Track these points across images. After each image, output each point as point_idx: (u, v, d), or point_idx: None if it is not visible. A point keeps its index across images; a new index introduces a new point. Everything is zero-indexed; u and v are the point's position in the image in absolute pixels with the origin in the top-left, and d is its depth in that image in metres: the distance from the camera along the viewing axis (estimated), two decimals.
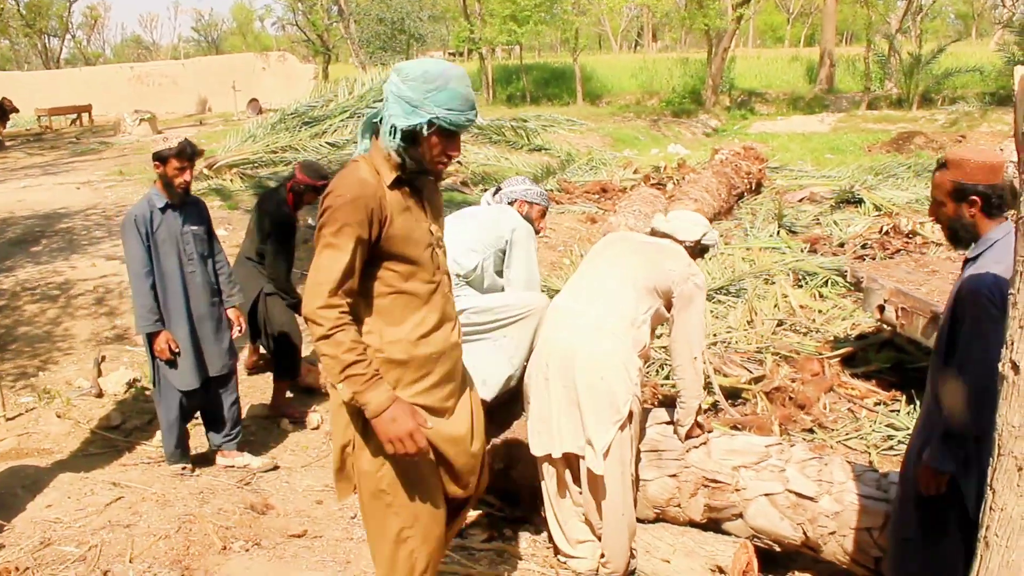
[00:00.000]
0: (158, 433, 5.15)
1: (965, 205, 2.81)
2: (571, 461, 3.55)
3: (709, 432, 3.86)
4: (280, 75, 28.49)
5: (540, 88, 31.66)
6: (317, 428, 5.49)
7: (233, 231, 10.15)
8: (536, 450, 3.55)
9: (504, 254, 4.16)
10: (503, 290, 4.15)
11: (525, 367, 3.94)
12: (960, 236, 2.88)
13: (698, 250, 3.83)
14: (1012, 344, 1.95)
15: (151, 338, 4.39)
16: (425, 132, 2.38)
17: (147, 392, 5.93)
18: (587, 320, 3.44)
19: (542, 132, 18.27)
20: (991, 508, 1.98)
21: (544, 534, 4.15)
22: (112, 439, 5.16)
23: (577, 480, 3.58)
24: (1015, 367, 1.93)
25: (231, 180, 12.75)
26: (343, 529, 3.98)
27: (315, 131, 14.88)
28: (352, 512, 4.21)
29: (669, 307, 3.63)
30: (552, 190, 13.12)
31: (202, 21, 71.38)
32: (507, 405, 3.99)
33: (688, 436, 3.76)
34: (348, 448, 2.57)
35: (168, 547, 3.46)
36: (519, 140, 17.24)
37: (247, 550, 3.55)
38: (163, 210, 4.43)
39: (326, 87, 18.86)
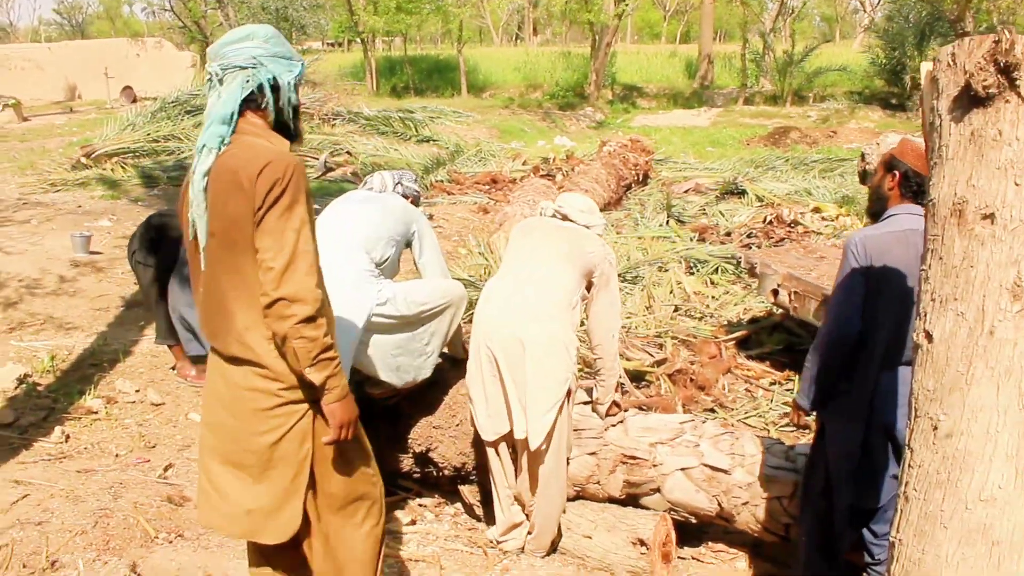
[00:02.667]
0: (56, 429, 4.98)
1: (889, 177, 3.13)
2: (510, 439, 3.62)
3: (625, 411, 3.99)
4: (156, 62, 27.43)
5: (424, 80, 31.54)
6: None
7: (117, 221, 9.81)
8: (487, 435, 3.61)
9: (409, 243, 4.17)
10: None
11: (442, 354, 3.99)
12: (875, 209, 3.18)
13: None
14: (925, 315, 2.11)
15: None
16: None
17: (39, 387, 5.70)
18: (529, 303, 3.51)
19: (429, 123, 18.31)
20: (909, 465, 2.15)
21: (464, 516, 4.23)
22: (6, 437, 4.92)
23: (515, 462, 3.66)
24: (928, 336, 2.09)
25: (111, 169, 12.27)
26: None
27: (198, 120, 14.46)
28: None
29: (588, 288, 3.74)
30: (442, 181, 13.16)
31: (65, 3, 67.91)
32: (428, 389, 4.02)
33: (607, 414, 3.88)
34: (303, 469, 2.42)
35: (86, 543, 3.36)
36: (407, 131, 17.22)
37: (170, 542, 3.49)
38: None
39: (207, 76, 18.34)
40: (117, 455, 4.77)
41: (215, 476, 2.47)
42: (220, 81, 2.30)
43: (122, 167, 12.46)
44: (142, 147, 13.12)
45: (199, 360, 5.49)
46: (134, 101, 22.62)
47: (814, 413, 3.34)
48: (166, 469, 4.52)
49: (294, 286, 2.23)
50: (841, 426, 3.15)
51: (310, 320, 2.25)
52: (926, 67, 2.18)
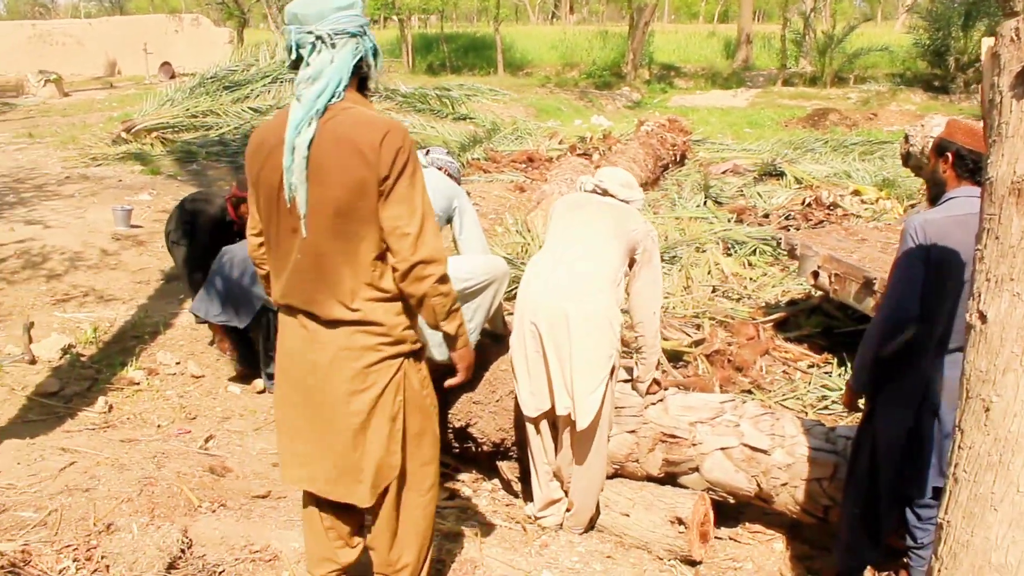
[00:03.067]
0: (100, 399, 5.08)
1: (942, 161, 3.07)
2: (551, 415, 3.63)
3: (665, 389, 3.98)
4: (193, 38, 27.61)
5: (460, 58, 31.46)
6: (263, 392, 5.46)
7: (157, 196, 9.92)
8: (529, 411, 3.62)
9: (450, 220, 4.17)
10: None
11: (484, 329, 4.00)
12: (933, 194, 3.14)
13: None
14: (979, 295, 2.08)
15: None
16: None
17: (82, 358, 5.81)
18: (573, 279, 3.50)
19: (466, 101, 18.29)
20: (959, 447, 2.12)
21: (502, 492, 4.25)
22: (52, 406, 5.03)
23: (555, 439, 3.67)
24: (982, 317, 2.06)
25: (151, 144, 12.40)
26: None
27: (236, 96, 14.62)
28: None
29: (630, 265, 3.73)
30: (479, 159, 13.15)
31: None
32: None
33: (647, 392, 3.88)
34: (398, 419, 2.49)
35: (132, 509, 3.41)
36: (444, 109, 17.22)
37: (213, 511, 3.53)
38: None
39: (245, 51, 18.44)
40: (159, 425, 4.85)
41: (307, 442, 2.51)
42: (332, 45, 2.29)
43: (161, 142, 12.59)
44: (181, 122, 13.25)
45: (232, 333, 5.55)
46: (172, 77, 22.80)
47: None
48: (207, 440, 4.59)
49: (428, 249, 2.32)
50: (893, 411, 3.12)
51: (444, 278, 2.37)
52: (987, 43, 2.14)
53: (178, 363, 5.78)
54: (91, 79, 25.56)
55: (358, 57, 2.33)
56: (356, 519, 2.73)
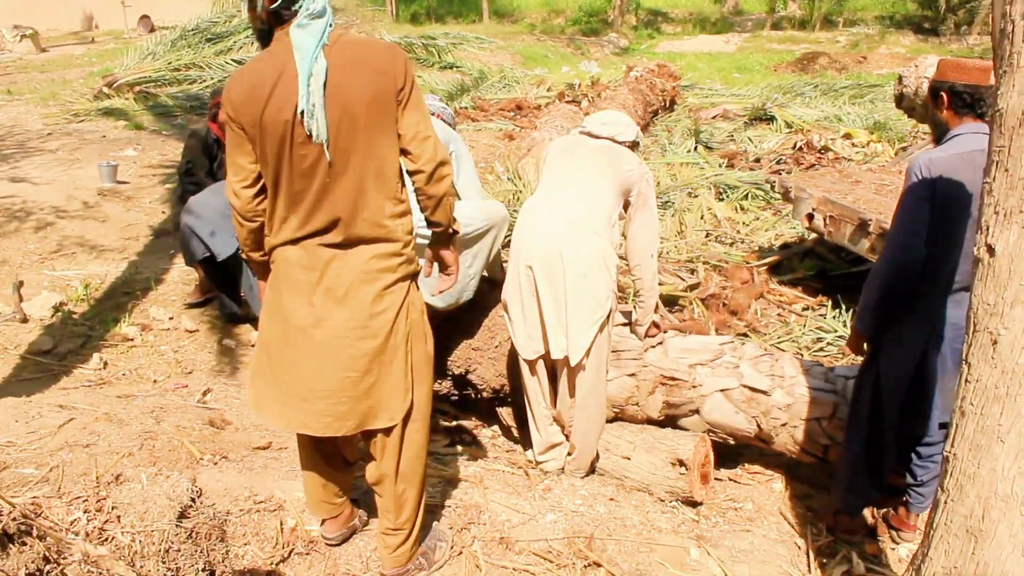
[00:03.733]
0: (95, 356, 5.06)
1: (939, 101, 3.03)
2: (549, 360, 3.63)
3: (664, 332, 3.98)
4: None
5: (444, 5, 30.96)
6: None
7: (142, 151, 9.80)
8: (525, 354, 3.60)
9: None
10: None
11: (482, 275, 3.98)
12: (937, 135, 3.10)
13: (632, 147, 3.86)
14: (988, 228, 2.06)
15: None
16: None
17: (74, 315, 5.77)
18: (568, 221, 3.47)
19: (452, 50, 18.04)
20: (967, 380, 2.12)
21: (502, 438, 4.26)
22: (46, 364, 5.01)
23: (555, 383, 3.67)
24: (991, 250, 2.05)
25: (134, 99, 12.22)
26: None
27: (219, 48, 14.37)
28: None
29: (625, 207, 3.70)
30: (467, 107, 13.02)
31: None
32: (467, 311, 4.02)
33: (646, 335, 3.87)
34: (408, 341, 2.57)
35: (133, 464, 3.41)
36: (430, 58, 17.00)
37: (215, 463, 3.53)
38: None
39: (226, 2, 18.10)
40: (155, 381, 4.84)
41: (318, 381, 2.52)
42: None
43: (144, 96, 12.41)
44: (164, 76, 13.04)
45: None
46: (152, 30, 22.36)
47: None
48: (204, 394, 4.58)
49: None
50: (898, 351, 3.11)
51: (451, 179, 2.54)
52: None
53: (171, 318, 5.75)
54: (68, 34, 25.02)
55: None
56: (352, 449, 2.89)
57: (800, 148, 9.57)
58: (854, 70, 16.70)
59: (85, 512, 2.52)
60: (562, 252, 3.40)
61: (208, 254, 5.36)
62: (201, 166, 5.84)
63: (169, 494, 2.70)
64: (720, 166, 9.15)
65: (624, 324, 3.97)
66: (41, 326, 5.53)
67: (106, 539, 2.49)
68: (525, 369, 3.67)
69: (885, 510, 3.53)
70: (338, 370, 2.51)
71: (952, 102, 3.01)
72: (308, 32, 2.31)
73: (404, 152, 2.45)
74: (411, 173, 2.48)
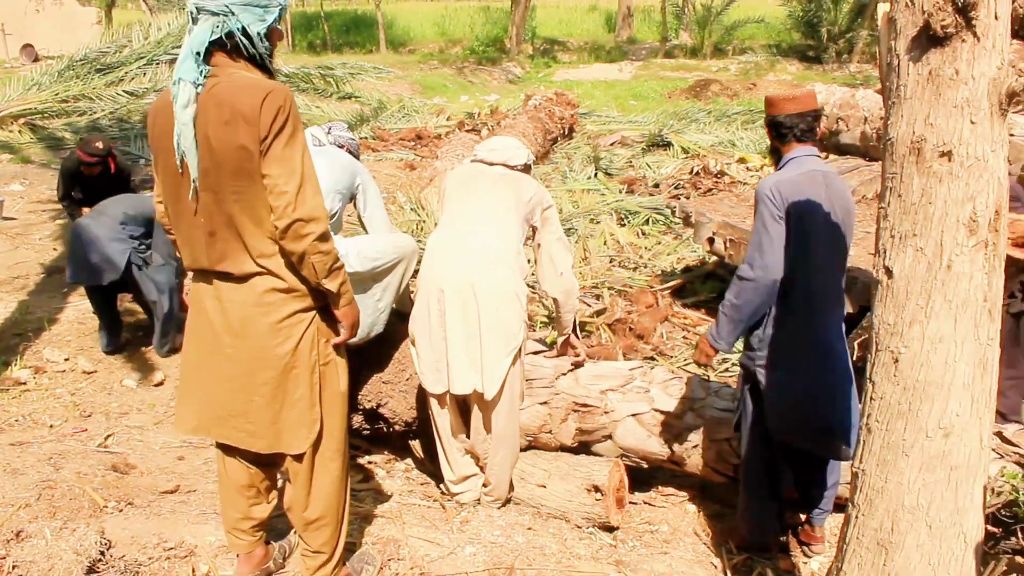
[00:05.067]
0: None
1: (768, 135, 3.35)
2: (461, 398, 3.60)
3: (582, 356, 4.01)
4: (57, 19, 26.09)
5: (341, 35, 30.84)
6: (161, 383, 5.27)
7: (30, 185, 9.42)
8: (432, 387, 3.56)
9: (353, 198, 4.07)
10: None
11: (391, 308, 3.94)
12: (775, 159, 3.37)
13: (526, 170, 3.89)
14: (885, 251, 2.16)
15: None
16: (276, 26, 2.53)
17: None
18: (476, 252, 3.47)
19: (350, 80, 17.88)
20: (871, 398, 2.21)
21: (416, 471, 4.22)
22: None
23: (465, 415, 3.64)
24: (888, 272, 2.15)
25: (19, 131, 11.75)
26: (215, 482, 3.86)
27: (109, 79, 13.89)
28: None
29: (534, 232, 3.74)
30: (366, 138, 12.96)
31: None
32: (376, 344, 3.97)
33: (561, 352, 3.90)
34: (315, 372, 2.60)
35: (31, 516, 3.25)
36: (328, 88, 16.80)
37: (120, 510, 3.39)
38: None
39: (116, 32, 17.59)
40: (51, 426, 4.63)
41: (229, 402, 2.58)
42: (194, 21, 2.44)
43: (31, 129, 11.95)
44: (50, 108, 12.57)
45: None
46: (36, 60, 21.62)
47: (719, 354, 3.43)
48: (107, 438, 4.40)
49: (307, 207, 2.40)
50: (782, 374, 3.21)
51: (324, 237, 2.44)
52: (883, 8, 2.21)
53: (67, 359, 5.51)
54: None
55: (218, 35, 2.42)
56: (270, 475, 2.89)
57: (697, 173, 9.82)
58: (745, 96, 17.27)
59: None
60: (474, 285, 3.40)
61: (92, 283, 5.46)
62: (65, 189, 6.43)
63: (76, 548, 2.58)
64: (620, 192, 9.32)
65: (535, 352, 3.99)
66: None
67: None
68: (434, 403, 3.64)
69: (792, 526, 3.63)
70: (243, 395, 2.57)
71: (773, 132, 3.30)
72: (180, 67, 2.41)
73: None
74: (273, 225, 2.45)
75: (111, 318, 5.68)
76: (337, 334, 2.67)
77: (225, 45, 2.44)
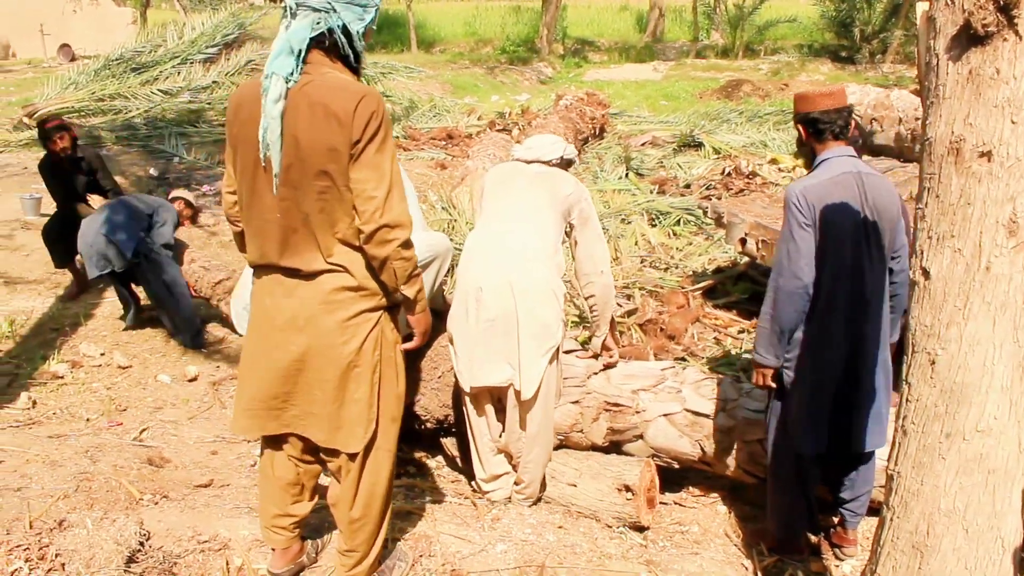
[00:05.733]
0: (23, 395, 4.90)
1: (799, 134, 3.27)
2: (495, 392, 3.62)
3: (618, 357, 4.01)
4: (94, 19, 26.46)
5: (372, 35, 31.00)
6: (194, 379, 5.34)
7: None
8: (467, 383, 3.56)
9: None
10: None
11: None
12: (807, 162, 3.31)
13: (565, 165, 3.88)
14: (922, 253, 2.15)
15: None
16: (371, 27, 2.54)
17: None
18: (516, 249, 3.47)
19: (382, 79, 17.98)
20: (907, 400, 2.20)
21: (447, 468, 4.24)
22: None
23: (499, 412, 3.65)
24: (926, 273, 2.13)
25: None
26: (248, 477, 3.92)
27: (144, 78, 14.13)
28: (252, 460, 4.15)
29: (569, 231, 3.73)
30: (398, 137, 13.02)
31: None
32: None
33: (598, 354, 3.90)
34: (376, 372, 2.61)
35: (69, 507, 3.31)
36: None
37: (156, 503, 3.44)
38: None
39: (151, 32, 17.82)
40: (88, 419, 4.71)
41: (289, 395, 2.62)
42: (293, 16, 2.43)
43: None
44: (87, 106, 12.75)
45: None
46: (72, 59, 21.89)
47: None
48: (142, 432, 4.46)
49: (394, 213, 2.42)
50: (811, 376, 3.20)
51: (407, 243, 2.48)
52: (922, 7, 2.21)
53: (103, 354, 5.61)
54: None
55: (319, 31, 2.42)
56: (315, 475, 2.89)
57: (729, 174, 9.77)
58: (777, 97, 17.13)
59: (27, 561, 2.43)
60: (512, 283, 3.41)
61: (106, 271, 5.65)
62: (55, 188, 6.45)
63: (116, 538, 2.62)
64: (651, 192, 9.29)
65: (568, 351, 3.99)
66: None
67: None
68: (469, 402, 3.66)
69: (824, 528, 3.61)
70: (303, 389, 2.60)
71: (808, 131, 3.22)
72: (274, 61, 2.40)
73: (353, 205, 2.45)
74: (358, 229, 2.47)
75: (129, 294, 5.99)
76: (399, 333, 2.70)
77: (323, 42, 2.45)
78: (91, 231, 5.63)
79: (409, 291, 2.57)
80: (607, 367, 3.97)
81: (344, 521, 2.77)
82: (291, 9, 2.43)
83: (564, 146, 3.84)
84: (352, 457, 2.66)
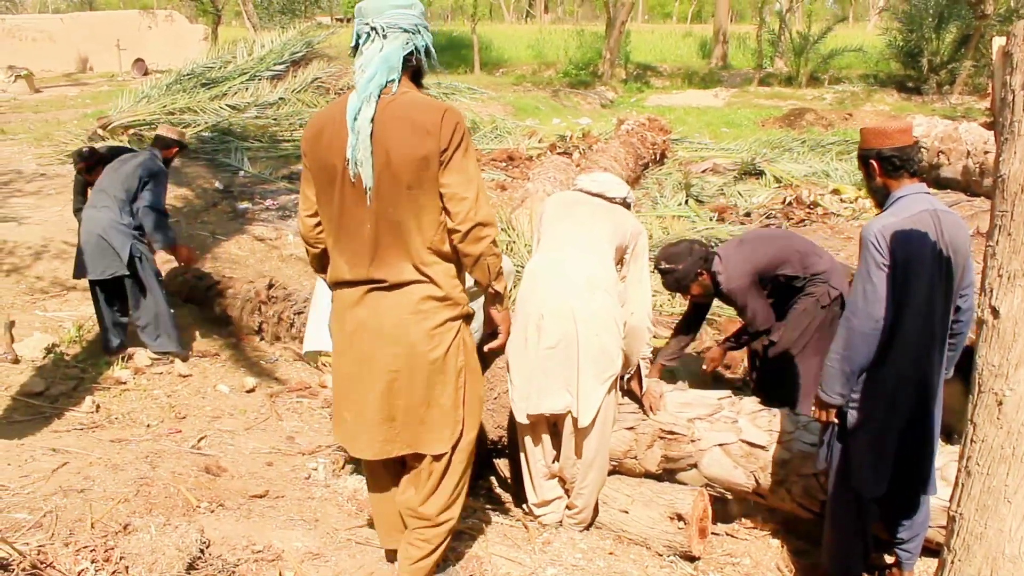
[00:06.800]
0: (87, 398, 5.02)
1: (869, 170, 3.14)
2: (551, 419, 3.62)
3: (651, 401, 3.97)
4: (167, 35, 27.28)
5: (437, 56, 31.37)
6: (252, 391, 5.43)
7: None
8: (524, 411, 3.55)
9: None
10: None
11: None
12: (879, 201, 3.18)
13: (625, 206, 3.88)
14: (992, 291, 2.11)
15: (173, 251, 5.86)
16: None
17: (66, 357, 5.74)
18: (579, 276, 3.47)
19: (445, 99, 18.19)
20: (972, 440, 2.16)
21: (499, 490, 4.25)
22: (37, 406, 4.97)
23: (554, 437, 3.65)
24: (995, 312, 2.10)
25: (128, 141, 12.26)
26: (302, 489, 3.97)
27: (213, 93, 14.46)
28: (305, 473, 4.20)
29: (620, 263, 3.73)
30: None
31: None
32: None
33: (644, 395, 3.87)
34: (460, 376, 2.75)
35: (129, 510, 3.37)
36: None
37: (212, 511, 3.50)
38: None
39: (221, 48, 18.28)
40: (148, 425, 4.80)
41: (380, 408, 2.72)
42: (384, 36, 2.55)
43: (138, 139, 12.45)
44: (158, 119, 13.06)
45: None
46: (146, 74, 22.56)
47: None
48: (200, 440, 4.54)
49: (485, 212, 2.59)
50: (882, 417, 3.13)
51: (496, 241, 2.66)
52: (998, 41, 2.17)
53: (150, 364, 5.73)
54: (62, 75, 25.20)
55: (408, 51, 2.58)
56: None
57: (790, 203, 9.70)
58: (840, 127, 16.95)
59: (93, 562, 2.49)
60: (574, 310, 3.40)
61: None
62: (76, 204, 6.27)
63: (178, 545, 2.67)
64: (711, 220, 9.25)
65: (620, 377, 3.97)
66: (33, 367, 5.50)
67: None
68: (525, 428, 3.66)
69: (880, 568, 3.54)
70: (391, 399, 2.71)
71: (883, 168, 3.10)
72: (357, 85, 2.54)
73: (444, 209, 2.59)
74: (449, 231, 2.61)
75: (114, 317, 5.82)
76: (474, 342, 2.85)
77: (411, 62, 2.60)
78: (92, 225, 5.60)
79: (499, 286, 2.75)
80: (644, 406, 3.93)
81: (417, 518, 2.88)
82: (381, 31, 2.55)
83: (628, 190, 3.87)
84: (437, 459, 2.79)
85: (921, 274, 2.98)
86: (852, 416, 3.17)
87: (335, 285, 2.77)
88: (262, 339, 6.37)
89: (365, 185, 2.54)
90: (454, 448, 2.78)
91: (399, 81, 2.56)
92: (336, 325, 2.80)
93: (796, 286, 4.42)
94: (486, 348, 2.94)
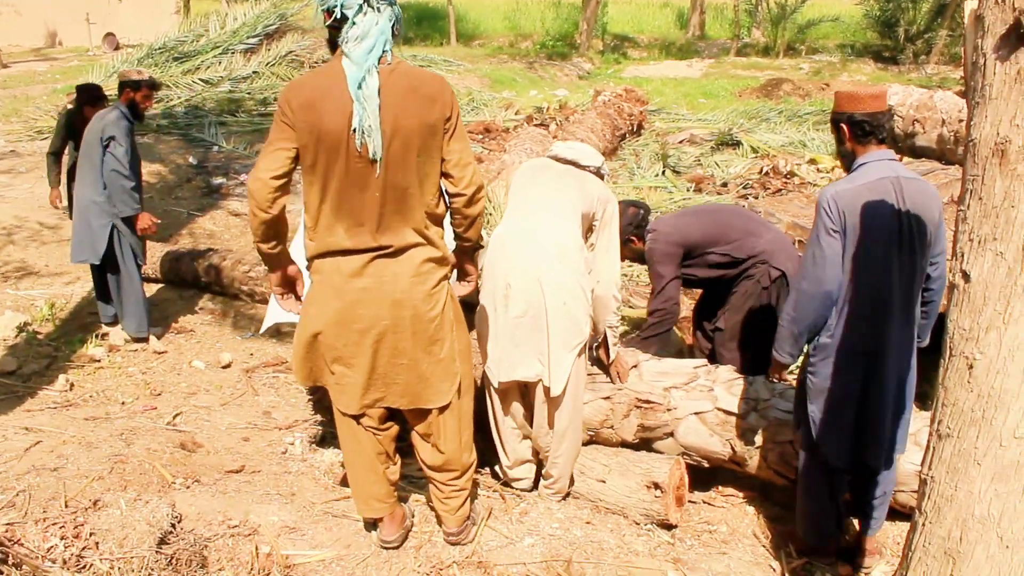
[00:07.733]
0: (60, 377, 4.98)
1: (839, 134, 3.14)
2: (521, 385, 3.62)
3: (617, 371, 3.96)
4: (138, 9, 26.67)
5: (412, 27, 31.06)
6: (228, 366, 5.40)
7: None
8: (496, 379, 3.56)
9: None
10: None
11: None
12: (846, 165, 3.18)
13: (597, 176, 3.82)
14: (963, 255, 2.11)
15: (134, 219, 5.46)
16: None
17: (39, 336, 5.68)
18: (543, 247, 3.44)
19: None
20: (943, 404, 2.17)
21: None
22: (10, 385, 4.93)
23: (524, 404, 3.65)
24: (966, 276, 2.10)
25: None
26: (279, 463, 3.96)
27: (186, 67, 14.33)
28: (282, 447, 4.19)
29: (589, 231, 3.70)
30: None
31: None
32: None
33: (613, 367, 3.86)
34: (452, 330, 2.94)
35: (104, 488, 3.36)
36: None
37: (187, 487, 3.49)
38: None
39: (193, 22, 18.03)
40: (123, 403, 4.78)
41: (385, 369, 2.86)
42: (378, 10, 2.61)
43: None
44: None
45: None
46: (117, 48, 22.21)
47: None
48: (175, 416, 4.52)
49: (480, 176, 2.80)
50: (836, 382, 3.13)
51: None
52: (970, 5, 2.16)
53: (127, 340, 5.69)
54: (30, 50, 24.73)
55: (392, 22, 2.66)
56: (392, 439, 3.14)
57: (766, 173, 9.70)
58: (817, 97, 16.91)
59: (62, 539, 2.47)
60: (541, 279, 3.39)
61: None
62: (60, 143, 6.40)
63: (149, 520, 2.66)
64: (688, 190, 9.26)
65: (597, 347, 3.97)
66: (5, 346, 5.45)
67: (84, 566, 2.45)
68: (495, 396, 3.66)
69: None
70: (396, 359, 2.84)
71: (853, 133, 3.09)
72: (352, 57, 2.57)
73: (446, 175, 2.75)
74: (452, 195, 2.79)
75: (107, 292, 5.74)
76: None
77: (395, 33, 2.68)
78: (80, 209, 5.61)
79: (481, 241, 2.94)
80: (612, 374, 3.93)
81: (446, 471, 3.10)
82: (373, 3, 2.60)
83: (603, 160, 3.83)
84: (442, 410, 2.96)
85: (875, 242, 2.99)
86: (811, 382, 3.19)
87: (326, 254, 2.77)
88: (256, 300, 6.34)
89: (372, 154, 2.60)
90: (459, 393, 2.98)
91: (391, 53, 2.63)
92: (326, 295, 2.79)
93: (736, 269, 4.37)
94: (458, 294, 3.11)
